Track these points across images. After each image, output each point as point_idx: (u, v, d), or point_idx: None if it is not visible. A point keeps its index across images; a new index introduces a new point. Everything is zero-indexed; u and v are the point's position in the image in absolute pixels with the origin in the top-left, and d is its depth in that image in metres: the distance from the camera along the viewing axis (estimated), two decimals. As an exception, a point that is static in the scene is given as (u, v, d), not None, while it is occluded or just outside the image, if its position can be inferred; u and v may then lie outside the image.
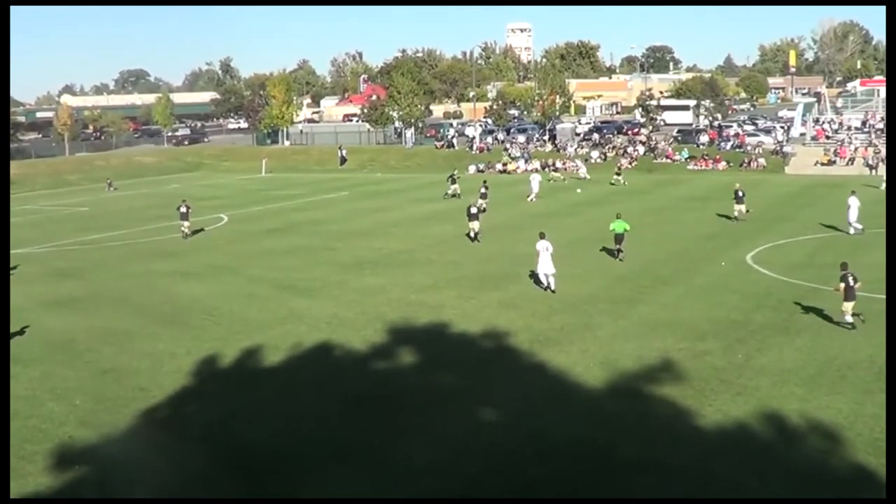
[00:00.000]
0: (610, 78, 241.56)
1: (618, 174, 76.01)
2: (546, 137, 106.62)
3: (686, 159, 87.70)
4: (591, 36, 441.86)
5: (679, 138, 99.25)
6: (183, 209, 53.96)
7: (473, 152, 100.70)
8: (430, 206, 63.81)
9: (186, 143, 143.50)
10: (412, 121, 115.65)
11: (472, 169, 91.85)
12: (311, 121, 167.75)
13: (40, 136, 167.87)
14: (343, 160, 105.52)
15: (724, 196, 56.11)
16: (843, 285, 28.85)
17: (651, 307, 32.51)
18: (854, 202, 46.76)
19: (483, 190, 58.95)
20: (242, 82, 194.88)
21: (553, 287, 35.44)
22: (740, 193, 52.94)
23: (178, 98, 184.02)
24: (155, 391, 25.25)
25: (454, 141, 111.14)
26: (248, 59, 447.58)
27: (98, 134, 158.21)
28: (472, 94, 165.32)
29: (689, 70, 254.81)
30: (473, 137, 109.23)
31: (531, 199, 64.74)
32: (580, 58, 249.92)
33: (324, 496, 18.52)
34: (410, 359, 27.83)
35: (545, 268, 35.71)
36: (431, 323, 31.70)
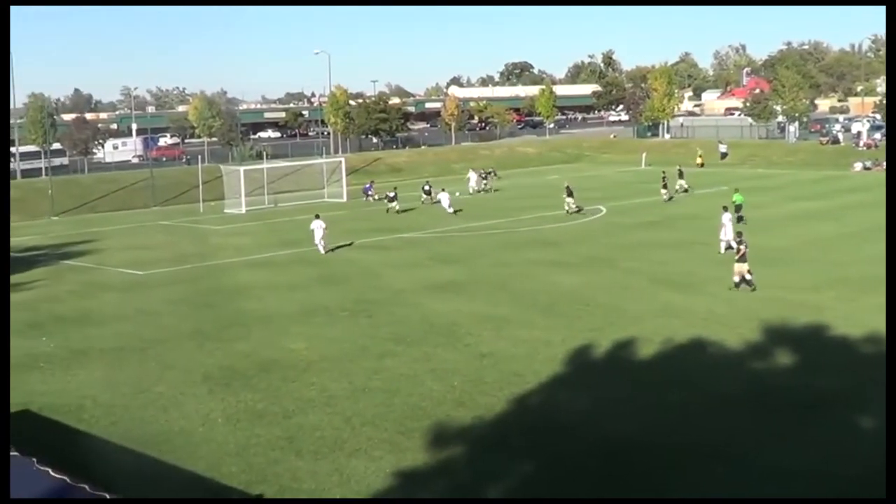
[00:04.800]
0: None
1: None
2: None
3: None
4: None
5: None
6: (426, 187, 68.79)
7: (860, 149, 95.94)
8: (811, 203, 61.46)
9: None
10: (796, 115, 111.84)
11: (857, 166, 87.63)
12: (691, 114, 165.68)
13: (428, 125, 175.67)
14: (723, 155, 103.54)
15: None
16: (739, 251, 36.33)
17: None
18: None
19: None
20: (624, 75, 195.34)
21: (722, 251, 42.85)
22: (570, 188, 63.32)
23: (561, 90, 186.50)
24: (529, 377, 25.76)
25: (839, 136, 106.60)
26: (630, 51, 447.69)
27: (482, 124, 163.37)
28: (859, 88, 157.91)
29: None
30: (860, 133, 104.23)
31: None
32: None
33: (689, 493, 18.27)
34: (786, 360, 26.92)
35: (724, 236, 43.32)
36: (810, 324, 30.51)
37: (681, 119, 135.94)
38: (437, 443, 21.17)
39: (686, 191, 70.95)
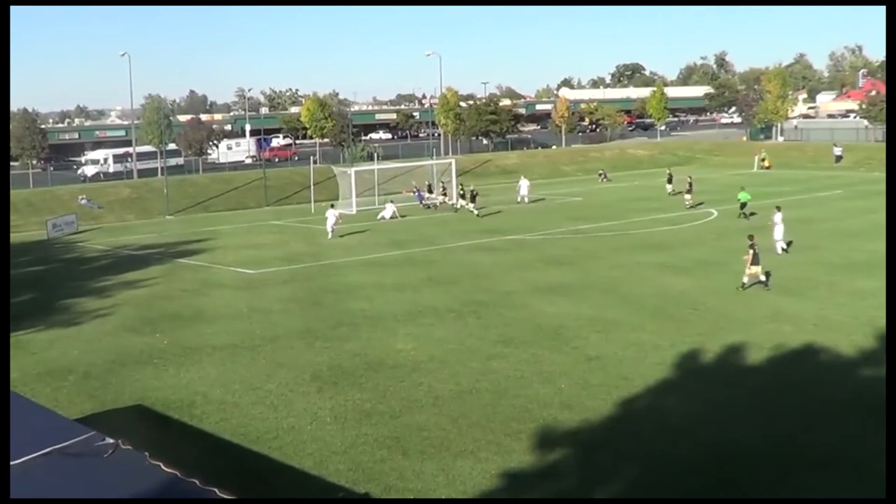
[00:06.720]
0: None
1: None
2: None
3: None
4: None
5: None
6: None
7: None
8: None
9: None
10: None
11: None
12: (805, 116, 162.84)
13: (539, 127, 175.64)
14: (838, 158, 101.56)
15: None
16: (751, 253, 36.82)
17: None
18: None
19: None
20: (737, 76, 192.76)
21: (784, 249, 44.49)
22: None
23: (672, 92, 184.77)
24: (637, 381, 25.54)
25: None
26: (743, 52, 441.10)
27: (593, 126, 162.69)
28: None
29: None
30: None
31: None
32: None
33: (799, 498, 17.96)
34: (903, 368, 26.26)
35: (777, 236, 44.63)
36: (928, 332, 29.70)
37: (794, 121, 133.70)
38: (543, 445, 21.10)
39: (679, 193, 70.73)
